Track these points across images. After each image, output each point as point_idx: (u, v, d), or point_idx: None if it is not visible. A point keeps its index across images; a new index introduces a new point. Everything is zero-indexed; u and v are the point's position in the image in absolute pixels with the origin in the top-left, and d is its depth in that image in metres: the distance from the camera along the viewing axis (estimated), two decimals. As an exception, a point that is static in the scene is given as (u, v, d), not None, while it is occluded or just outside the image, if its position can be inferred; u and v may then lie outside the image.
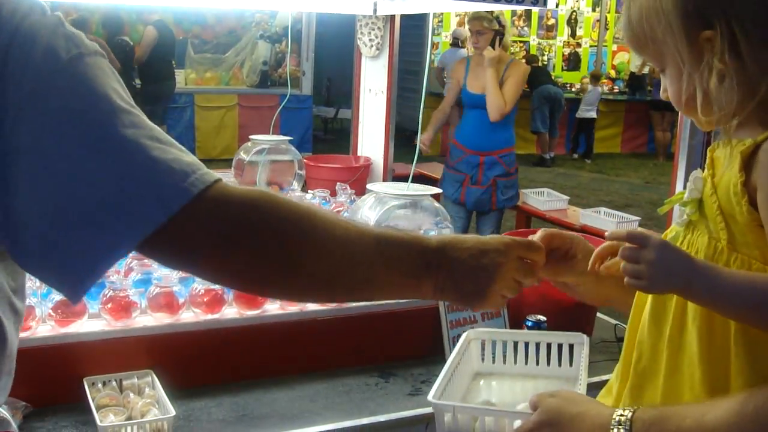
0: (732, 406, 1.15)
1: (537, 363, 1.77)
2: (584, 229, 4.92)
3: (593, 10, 16.23)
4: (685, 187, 1.35)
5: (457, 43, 13.06)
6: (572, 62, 15.64)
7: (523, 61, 5.24)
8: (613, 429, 1.21)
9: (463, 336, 1.81)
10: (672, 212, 1.54)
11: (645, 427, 1.20)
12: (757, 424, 1.12)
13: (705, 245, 1.28)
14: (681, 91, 1.30)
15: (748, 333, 1.22)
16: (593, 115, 13.71)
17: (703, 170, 1.34)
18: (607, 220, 5.02)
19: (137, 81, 10.49)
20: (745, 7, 1.21)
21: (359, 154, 3.97)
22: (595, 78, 13.88)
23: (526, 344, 1.78)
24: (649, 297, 1.36)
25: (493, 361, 1.81)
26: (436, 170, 7.35)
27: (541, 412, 1.32)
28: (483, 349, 1.80)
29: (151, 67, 10.47)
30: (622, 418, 1.21)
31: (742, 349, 1.22)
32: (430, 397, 1.47)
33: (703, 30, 1.23)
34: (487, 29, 5.09)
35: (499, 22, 5.20)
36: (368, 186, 2.60)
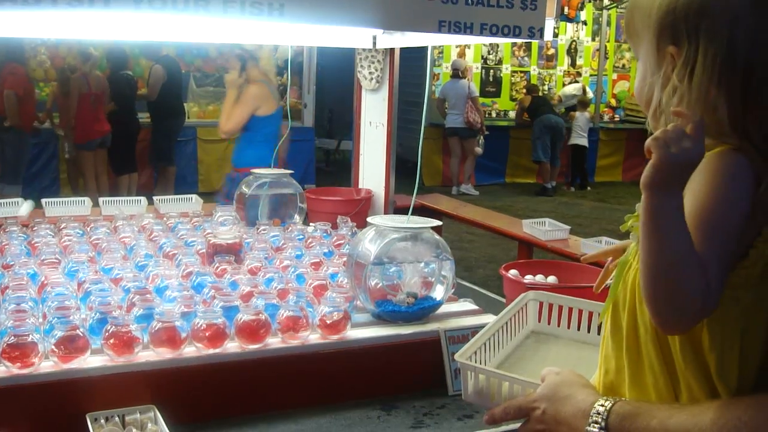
0: (693, 413, 1.23)
1: (588, 330, 1.98)
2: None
3: (593, 39, 16.34)
4: None
5: (457, 73, 13.14)
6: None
7: (253, 86, 5.40)
8: (591, 417, 1.33)
9: (521, 296, 2.04)
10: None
11: (618, 420, 1.30)
12: None
13: None
14: (643, 89, 1.40)
15: (690, 344, 1.29)
16: (584, 142, 13.72)
17: None
18: (609, 250, 5.01)
19: (140, 116, 10.54)
20: (715, 41, 1.26)
21: (360, 186, 3.99)
22: (582, 104, 13.92)
23: (580, 311, 2.00)
24: (608, 313, 1.45)
25: (549, 323, 2.05)
26: (437, 201, 7.38)
27: (544, 386, 1.47)
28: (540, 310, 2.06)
29: (162, 104, 10.53)
30: (601, 409, 1.33)
31: (689, 355, 1.29)
32: (457, 355, 1.67)
33: (670, 44, 1.31)
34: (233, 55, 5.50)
35: (244, 49, 5.50)
36: (368, 219, 2.61)
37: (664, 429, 1.23)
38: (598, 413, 1.32)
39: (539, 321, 2.07)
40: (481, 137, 13.20)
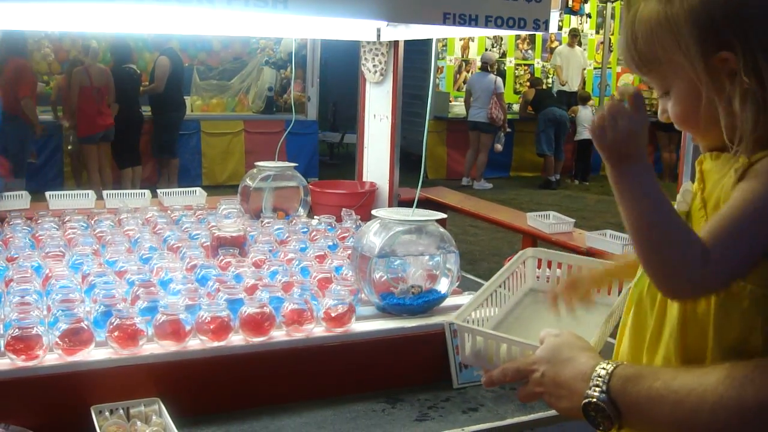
0: (698, 374, 1.21)
1: None
2: (590, 252, 4.91)
3: (597, 32, 16.31)
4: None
5: (486, 67, 13.14)
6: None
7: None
8: (593, 380, 1.30)
9: (519, 254, 1.97)
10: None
11: (621, 383, 1.28)
12: (713, 394, 1.17)
13: None
14: (695, 112, 1.29)
15: (722, 347, 1.24)
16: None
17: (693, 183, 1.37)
18: (613, 243, 5.00)
19: (143, 109, 10.54)
20: (763, 27, 1.21)
21: (365, 179, 3.98)
22: (583, 99, 13.88)
23: (580, 269, 1.90)
24: (631, 312, 1.41)
25: (548, 280, 1.97)
26: (442, 194, 7.36)
27: (543, 348, 1.44)
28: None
29: (164, 96, 10.53)
30: (603, 372, 1.30)
31: (719, 360, 1.25)
32: (452, 318, 1.65)
33: (719, 51, 1.23)
34: None
35: None
36: (373, 212, 2.60)
37: (668, 389, 1.21)
38: (600, 376, 1.29)
39: (538, 279, 1.99)
40: (502, 134, 13.19)
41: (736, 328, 1.22)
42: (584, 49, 16.02)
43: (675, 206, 1.34)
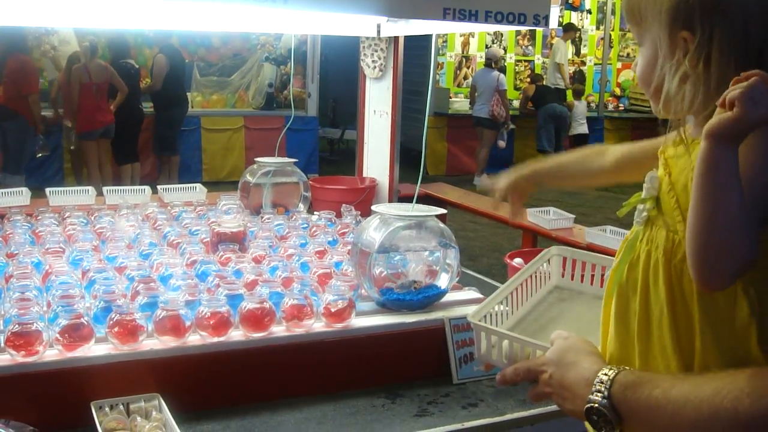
0: (696, 383, 1.23)
1: None
2: (590, 248, 4.91)
3: (597, 28, 16.29)
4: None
5: (490, 63, 13.14)
6: (577, 80, 15.64)
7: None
8: (595, 385, 1.33)
9: (544, 251, 1.99)
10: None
11: (621, 389, 1.30)
12: (709, 405, 1.19)
13: (663, 239, 1.35)
14: (651, 75, 1.38)
15: (709, 315, 1.29)
16: (585, 130, 13.67)
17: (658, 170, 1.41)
18: (613, 238, 5.01)
19: (143, 105, 10.52)
20: (730, 25, 1.26)
21: (365, 175, 3.98)
22: (578, 93, 13.88)
23: (604, 268, 1.93)
24: (613, 301, 1.46)
25: (572, 278, 2.00)
26: (441, 190, 7.37)
27: (552, 350, 1.48)
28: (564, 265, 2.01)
29: (165, 93, 10.51)
30: (605, 378, 1.33)
31: (709, 334, 1.29)
32: (469, 316, 1.68)
33: (684, 29, 1.29)
34: None
35: None
36: (373, 207, 2.60)
37: (666, 398, 1.23)
38: (602, 382, 1.32)
39: (563, 276, 2.02)
40: (505, 131, 13.18)
41: (718, 296, 1.27)
42: (585, 44, 16.04)
43: (643, 193, 1.41)
